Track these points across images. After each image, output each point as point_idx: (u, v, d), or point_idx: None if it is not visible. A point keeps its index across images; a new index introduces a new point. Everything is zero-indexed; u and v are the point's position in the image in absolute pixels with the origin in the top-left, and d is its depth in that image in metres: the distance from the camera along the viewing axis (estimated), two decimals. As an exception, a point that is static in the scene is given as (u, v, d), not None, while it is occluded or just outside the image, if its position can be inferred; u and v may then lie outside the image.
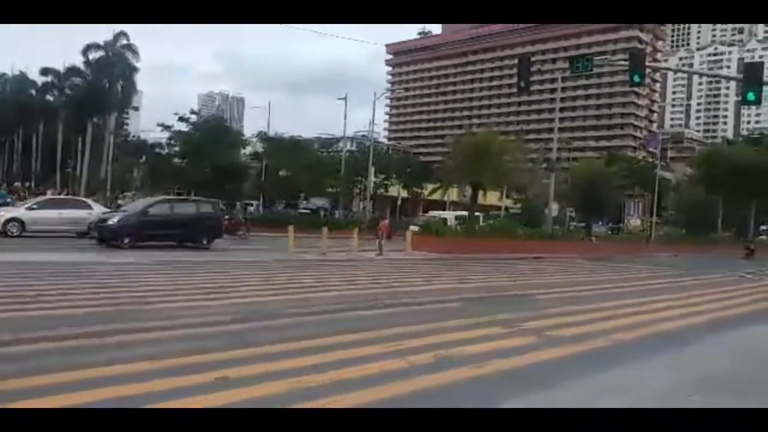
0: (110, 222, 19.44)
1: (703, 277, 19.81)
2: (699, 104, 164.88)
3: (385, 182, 52.88)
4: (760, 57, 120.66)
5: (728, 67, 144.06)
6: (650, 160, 67.31)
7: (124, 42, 53.78)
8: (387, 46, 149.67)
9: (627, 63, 19.67)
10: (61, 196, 30.49)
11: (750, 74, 17.49)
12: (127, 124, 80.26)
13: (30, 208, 21.66)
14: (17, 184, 51.30)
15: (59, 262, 13.84)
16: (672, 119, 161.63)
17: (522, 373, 6.07)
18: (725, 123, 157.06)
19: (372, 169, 45.22)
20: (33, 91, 61.07)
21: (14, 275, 11.35)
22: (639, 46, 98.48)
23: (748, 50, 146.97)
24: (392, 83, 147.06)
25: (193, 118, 43.83)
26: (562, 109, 69.71)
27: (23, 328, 6.80)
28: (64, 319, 7.42)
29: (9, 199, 32.57)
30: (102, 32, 56.49)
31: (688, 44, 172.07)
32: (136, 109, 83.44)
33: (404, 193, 55.67)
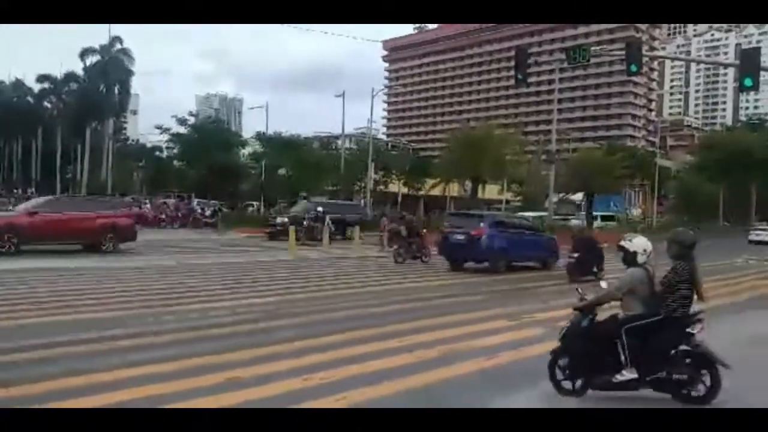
0: None
1: (716, 263, 19.77)
2: (697, 91, 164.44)
3: (385, 179, 52.79)
4: (758, 42, 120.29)
5: (726, 53, 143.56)
6: (650, 149, 67.26)
7: (119, 46, 53.79)
8: (383, 42, 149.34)
9: (624, 52, 19.55)
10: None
11: (747, 60, 17.38)
12: (125, 128, 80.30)
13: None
14: (31, 190, 51.41)
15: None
16: (671, 107, 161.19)
17: (531, 364, 6.11)
18: (724, 109, 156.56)
19: (372, 166, 45.14)
20: (30, 98, 61.04)
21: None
22: (635, 34, 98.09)
23: (746, 36, 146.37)
24: (390, 79, 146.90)
25: (191, 120, 43.95)
26: (560, 100, 69.57)
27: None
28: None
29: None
30: (97, 37, 56.46)
31: (685, 31, 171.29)
32: (134, 112, 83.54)
33: (404, 190, 55.60)
